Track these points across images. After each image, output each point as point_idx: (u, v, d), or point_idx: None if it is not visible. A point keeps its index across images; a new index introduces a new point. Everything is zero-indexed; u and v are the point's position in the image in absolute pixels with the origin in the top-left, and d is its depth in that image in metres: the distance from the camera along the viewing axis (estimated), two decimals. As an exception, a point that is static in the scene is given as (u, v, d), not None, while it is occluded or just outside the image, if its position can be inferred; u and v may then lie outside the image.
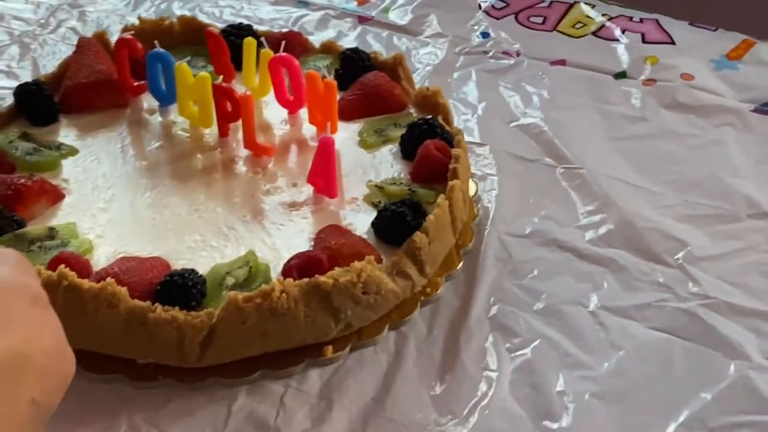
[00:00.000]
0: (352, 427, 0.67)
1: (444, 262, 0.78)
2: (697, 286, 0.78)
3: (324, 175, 0.79)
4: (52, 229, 0.75)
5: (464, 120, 0.98)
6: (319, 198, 0.80)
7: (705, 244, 0.83)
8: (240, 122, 0.85)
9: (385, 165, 0.84)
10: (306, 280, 0.68)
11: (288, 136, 0.88)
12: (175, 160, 0.85)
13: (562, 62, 1.08)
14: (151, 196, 0.81)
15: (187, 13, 1.09)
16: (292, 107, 0.89)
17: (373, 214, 0.77)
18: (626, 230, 0.84)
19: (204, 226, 0.78)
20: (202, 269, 0.71)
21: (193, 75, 0.85)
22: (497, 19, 1.16)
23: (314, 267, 0.70)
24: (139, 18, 0.97)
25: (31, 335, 0.45)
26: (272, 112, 0.90)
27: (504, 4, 1.19)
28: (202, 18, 1.03)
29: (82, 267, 0.70)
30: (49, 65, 1.04)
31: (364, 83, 0.91)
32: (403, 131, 0.85)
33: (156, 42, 0.88)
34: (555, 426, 0.67)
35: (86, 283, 0.67)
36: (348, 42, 1.10)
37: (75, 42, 1.02)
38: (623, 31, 1.13)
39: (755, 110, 0.99)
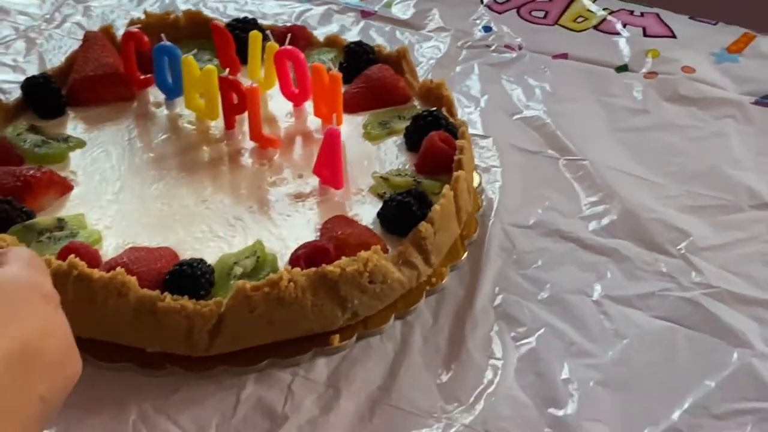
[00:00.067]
0: (359, 415, 0.68)
1: (449, 252, 0.79)
2: (699, 276, 0.79)
3: (330, 166, 0.80)
4: (61, 220, 0.76)
5: (467, 113, 0.99)
6: (324, 189, 0.81)
7: (707, 234, 0.83)
8: (246, 115, 0.85)
9: (390, 156, 0.85)
10: (313, 269, 0.69)
11: (293, 129, 0.89)
12: (181, 153, 0.86)
13: (564, 56, 1.09)
14: (159, 187, 0.82)
15: (192, 9, 1.10)
16: (297, 100, 0.90)
17: (379, 204, 0.78)
18: (629, 221, 0.85)
19: (211, 217, 0.78)
20: (210, 259, 0.72)
21: (199, 68, 0.86)
22: (499, 13, 1.17)
23: (321, 256, 0.71)
24: (145, 12, 0.98)
25: (42, 331, 0.45)
26: (277, 104, 0.91)
27: (505, -1, 1.20)
28: (207, 13, 1.04)
29: (91, 257, 0.70)
30: (54, 60, 1.05)
31: (368, 76, 0.91)
32: (407, 123, 0.86)
33: (162, 35, 0.88)
34: (560, 413, 0.68)
35: (96, 272, 0.67)
36: (351, 36, 1.10)
37: (80, 37, 1.03)
38: (624, 25, 1.14)
39: (756, 102, 1.00)
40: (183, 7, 1.16)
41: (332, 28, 1.13)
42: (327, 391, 0.69)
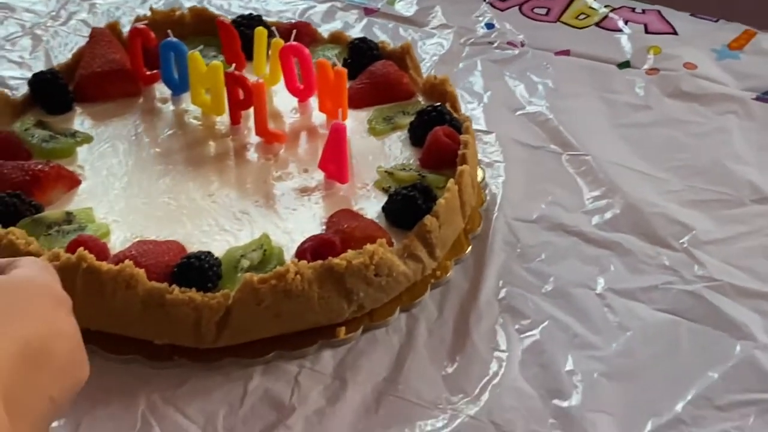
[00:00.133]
0: (365, 406, 0.68)
1: (453, 246, 0.80)
2: (702, 269, 0.79)
3: (335, 160, 0.80)
4: (69, 213, 0.76)
5: (470, 109, 1.00)
6: (330, 183, 0.82)
7: (710, 228, 0.84)
8: (251, 110, 0.86)
9: (395, 151, 0.86)
10: (320, 262, 0.70)
11: (298, 124, 0.90)
12: (188, 147, 0.87)
13: (566, 52, 1.10)
14: (166, 182, 0.82)
15: (197, 5, 1.10)
16: (302, 95, 0.91)
17: (383, 199, 0.79)
18: (632, 215, 0.85)
19: (218, 210, 0.79)
20: (217, 252, 0.73)
21: (205, 64, 0.87)
22: (501, 10, 1.18)
23: (327, 249, 0.72)
24: (151, 9, 0.99)
25: (54, 333, 0.46)
26: (282, 100, 0.91)
27: (508, -4, 1.21)
28: (212, 11, 1.04)
29: (100, 250, 0.71)
30: (60, 56, 1.06)
31: (372, 72, 0.92)
32: (411, 119, 0.87)
33: (169, 31, 0.89)
34: (565, 404, 0.68)
35: (105, 265, 0.68)
36: (354, 34, 1.10)
37: (85, 34, 1.04)
38: (626, 22, 1.15)
39: (757, 98, 1.01)
40: (188, 4, 1.16)
41: (335, 26, 1.14)
42: (333, 383, 0.70)
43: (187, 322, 0.69)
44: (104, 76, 0.90)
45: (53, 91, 0.89)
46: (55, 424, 0.47)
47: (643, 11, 1.17)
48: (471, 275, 0.79)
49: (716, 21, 1.15)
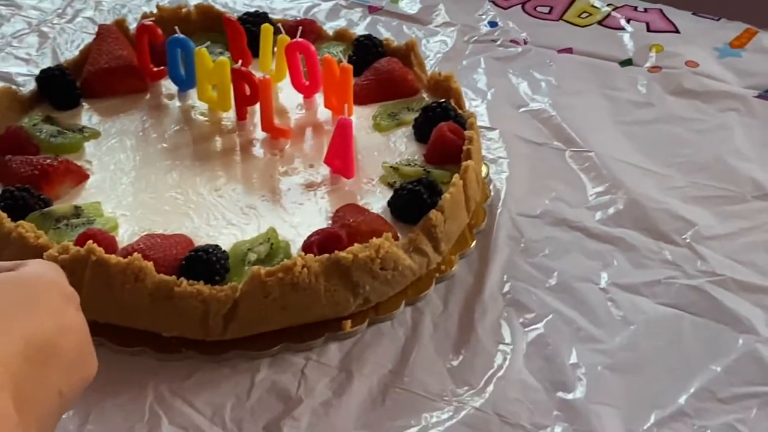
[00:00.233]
0: (371, 398, 0.69)
1: (458, 241, 0.80)
2: (705, 264, 0.80)
3: (341, 155, 0.81)
4: (77, 207, 0.77)
5: (474, 106, 1.00)
6: (335, 178, 0.82)
7: (712, 223, 0.85)
8: (257, 106, 0.87)
9: (400, 147, 0.86)
10: (326, 255, 0.70)
11: (304, 120, 0.90)
12: (194, 143, 0.87)
13: (569, 50, 1.10)
14: (173, 176, 0.83)
15: (203, 2, 1.11)
16: (307, 92, 0.91)
17: (389, 194, 0.80)
18: (635, 210, 0.86)
19: (225, 205, 0.80)
20: (224, 246, 0.73)
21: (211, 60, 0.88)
22: (504, 9, 1.18)
23: (334, 243, 0.72)
24: (158, 6, 1.00)
25: (62, 328, 0.46)
26: (288, 96, 0.92)
27: (511, -6, 1.21)
28: (217, 8, 1.05)
29: (108, 243, 0.72)
30: (67, 53, 1.06)
31: (377, 69, 0.93)
32: (416, 115, 0.87)
33: (176, 28, 0.90)
34: (569, 396, 0.69)
35: (113, 258, 0.69)
36: (358, 31, 1.11)
37: (91, 31, 1.04)
38: (628, 21, 1.15)
39: (759, 96, 1.02)
40: (193, 1, 1.17)
41: (340, 23, 1.14)
42: (339, 375, 0.71)
43: (194, 315, 0.69)
44: (111, 72, 0.91)
45: (61, 87, 0.89)
46: (63, 415, 0.47)
47: (645, 10, 1.18)
48: (476, 269, 0.80)
49: (718, 20, 1.16)
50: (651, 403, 0.69)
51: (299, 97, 0.92)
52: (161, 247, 0.72)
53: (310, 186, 0.82)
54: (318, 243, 0.72)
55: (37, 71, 0.93)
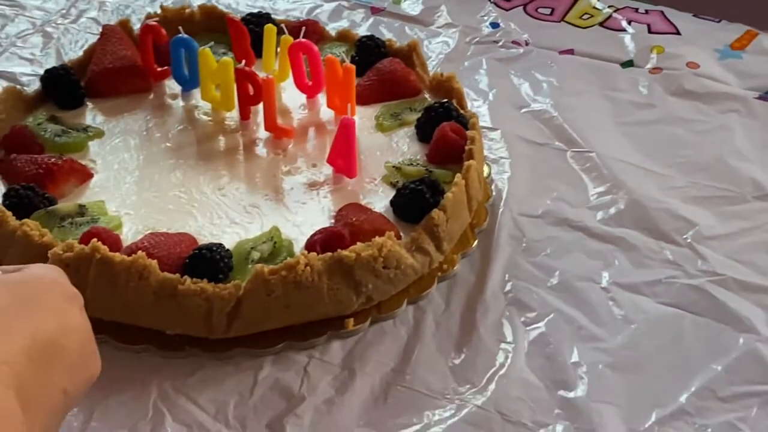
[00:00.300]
0: (374, 396, 0.69)
1: (460, 240, 0.81)
2: (705, 264, 0.80)
3: (344, 155, 0.82)
4: (81, 206, 0.78)
5: (476, 106, 1.00)
6: (338, 178, 0.83)
7: (713, 224, 0.85)
8: (260, 106, 0.87)
9: (402, 147, 0.87)
10: (329, 254, 0.71)
11: (306, 120, 0.91)
12: (198, 142, 0.88)
13: (571, 51, 1.11)
14: (176, 175, 0.83)
15: (207, 3, 1.11)
16: (310, 92, 0.92)
17: (391, 193, 0.80)
18: (636, 210, 0.86)
19: (228, 204, 0.80)
20: (228, 245, 0.74)
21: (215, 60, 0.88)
22: (506, 10, 1.19)
23: (337, 242, 0.73)
24: (161, 6, 1.00)
25: (65, 328, 0.47)
26: (291, 97, 0.92)
27: (512, -4, 1.22)
28: (220, 9, 1.06)
29: (113, 241, 0.72)
30: (71, 53, 1.07)
31: (379, 69, 0.93)
32: (418, 115, 0.88)
33: (180, 28, 0.90)
34: (570, 395, 0.70)
35: (118, 256, 0.69)
36: (361, 32, 1.11)
37: (95, 31, 1.05)
38: (629, 22, 1.16)
39: (759, 98, 1.02)
40: (196, 2, 1.17)
41: (342, 24, 1.15)
42: (342, 373, 0.71)
43: (198, 313, 0.70)
44: (115, 72, 0.91)
45: (65, 87, 0.90)
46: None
47: (647, 11, 1.18)
48: (477, 269, 0.80)
49: (719, 21, 1.16)
50: (652, 401, 0.69)
51: (302, 97, 0.92)
52: (165, 246, 0.72)
53: (312, 185, 0.82)
54: (321, 242, 0.73)
55: (41, 71, 0.94)
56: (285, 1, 1.20)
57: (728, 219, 0.86)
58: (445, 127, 0.83)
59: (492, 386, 0.70)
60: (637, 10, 1.18)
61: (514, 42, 1.12)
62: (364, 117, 0.90)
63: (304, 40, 0.89)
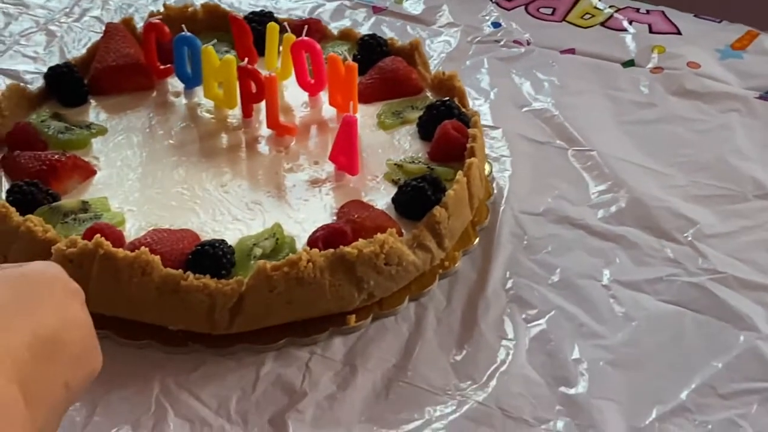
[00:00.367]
0: (375, 392, 0.70)
1: (461, 237, 0.81)
2: (706, 262, 0.81)
3: (346, 152, 0.82)
4: (85, 202, 0.78)
5: (477, 105, 1.01)
6: (340, 175, 0.83)
7: (713, 222, 0.85)
8: (263, 104, 0.87)
9: (404, 145, 0.87)
10: (331, 250, 0.71)
11: (309, 118, 0.91)
12: (200, 140, 0.88)
13: (572, 51, 1.11)
14: (179, 172, 0.84)
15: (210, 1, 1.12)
16: (313, 90, 0.92)
17: (393, 191, 0.80)
18: (637, 209, 0.87)
19: (230, 201, 0.80)
20: (230, 241, 0.74)
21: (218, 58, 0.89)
22: (507, 10, 1.19)
23: (339, 238, 0.73)
24: (165, 5, 1.00)
25: (67, 323, 0.47)
26: (293, 94, 0.93)
27: (514, -5, 1.22)
28: (223, 7, 1.06)
29: (116, 237, 0.72)
30: (74, 51, 1.07)
31: (381, 68, 0.93)
32: (420, 113, 0.88)
33: (183, 26, 0.90)
34: (571, 391, 0.70)
35: (121, 251, 0.69)
36: (363, 31, 1.11)
37: (99, 30, 1.05)
38: (630, 22, 1.16)
39: (760, 97, 1.02)
40: (199, 0, 1.18)
41: (344, 23, 1.15)
42: (344, 369, 0.71)
43: (201, 309, 0.70)
44: (119, 70, 0.92)
45: (69, 84, 0.90)
46: (70, 407, 0.48)
47: (648, 12, 1.19)
48: (479, 266, 0.80)
49: (719, 21, 1.17)
50: (652, 398, 0.69)
51: (304, 95, 0.93)
52: (168, 242, 0.73)
53: (315, 182, 0.83)
54: (323, 238, 0.73)
55: (44, 69, 0.94)
56: (287, 0, 1.20)
57: (729, 217, 0.86)
58: (446, 125, 0.84)
59: (493, 382, 0.70)
60: (638, 10, 1.19)
61: (515, 41, 1.13)
62: (366, 115, 0.90)
63: (306, 38, 0.89)
